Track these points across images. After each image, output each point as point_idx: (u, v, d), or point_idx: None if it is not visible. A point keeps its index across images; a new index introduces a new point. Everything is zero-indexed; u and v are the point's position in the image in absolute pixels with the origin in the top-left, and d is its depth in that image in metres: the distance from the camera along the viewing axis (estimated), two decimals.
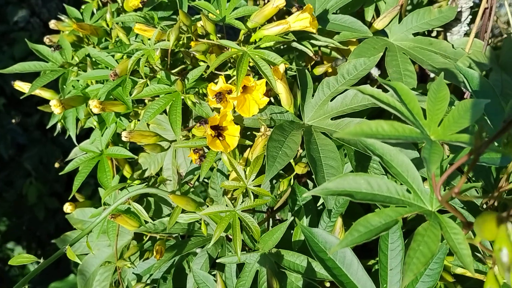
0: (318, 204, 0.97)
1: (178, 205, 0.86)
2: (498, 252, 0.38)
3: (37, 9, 3.36)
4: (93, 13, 1.14)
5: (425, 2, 1.16)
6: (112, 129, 1.05)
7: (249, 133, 0.95)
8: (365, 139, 0.56)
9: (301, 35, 0.97)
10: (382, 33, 1.04)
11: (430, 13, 1.01)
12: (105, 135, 1.06)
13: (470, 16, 1.12)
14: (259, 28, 0.93)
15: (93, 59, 1.05)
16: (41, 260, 0.79)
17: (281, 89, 0.87)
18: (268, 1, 0.93)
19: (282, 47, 1.05)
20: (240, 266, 0.88)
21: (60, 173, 1.08)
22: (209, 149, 0.87)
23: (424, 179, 0.64)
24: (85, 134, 1.16)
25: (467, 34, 1.15)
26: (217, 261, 0.86)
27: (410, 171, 0.59)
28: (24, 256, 0.80)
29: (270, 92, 0.92)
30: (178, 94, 0.90)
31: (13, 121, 1.12)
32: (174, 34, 0.87)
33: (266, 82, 0.85)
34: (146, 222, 0.97)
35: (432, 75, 1.21)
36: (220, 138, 0.84)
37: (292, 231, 0.90)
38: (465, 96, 1.05)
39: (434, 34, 1.17)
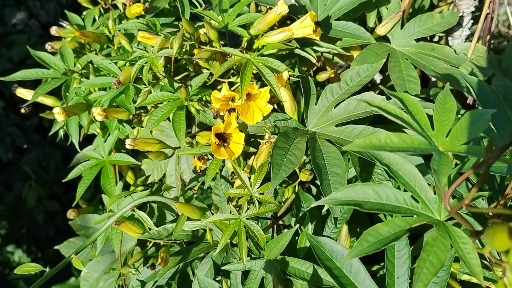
0: (323, 211, 0.97)
1: (183, 213, 0.86)
2: (511, 265, 0.38)
3: (35, 11, 3.35)
4: (94, 19, 1.14)
5: (427, 7, 1.16)
6: (115, 136, 1.04)
7: (252, 139, 0.95)
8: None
9: (304, 41, 0.97)
10: (385, 39, 1.04)
11: (432, 19, 1.01)
12: (108, 142, 1.06)
13: (472, 21, 1.13)
14: (262, 35, 0.93)
15: (96, 66, 1.05)
16: (47, 269, 0.79)
17: (285, 96, 0.87)
18: (270, 8, 0.93)
19: (284, 52, 1.05)
20: (245, 273, 0.88)
21: (63, 180, 1.07)
22: (213, 156, 0.87)
23: (429, 184, 0.64)
24: (86, 137, 1.16)
25: (468, 38, 1.16)
26: (223, 268, 0.86)
27: (417, 181, 0.59)
28: (30, 265, 0.80)
29: (273, 99, 0.93)
30: (182, 102, 0.90)
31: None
32: (177, 42, 0.87)
33: (270, 90, 0.85)
34: (150, 228, 0.97)
35: (433, 79, 1.21)
36: (225, 145, 0.84)
37: (297, 238, 0.90)
38: (468, 101, 1.06)
39: (436, 39, 1.17)
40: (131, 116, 0.95)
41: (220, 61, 0.94)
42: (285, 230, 1.12)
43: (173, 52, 0.88)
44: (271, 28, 0.95)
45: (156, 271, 0.99)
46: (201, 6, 1.08)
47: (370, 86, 1.36)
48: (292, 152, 0.82)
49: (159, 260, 0.92)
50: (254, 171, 0.86)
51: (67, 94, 1.02)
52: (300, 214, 0.93)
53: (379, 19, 1.10)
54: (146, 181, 1.10)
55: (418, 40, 1.03)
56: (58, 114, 0.95)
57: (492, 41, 1.56)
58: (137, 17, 1.05)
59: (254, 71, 0.87)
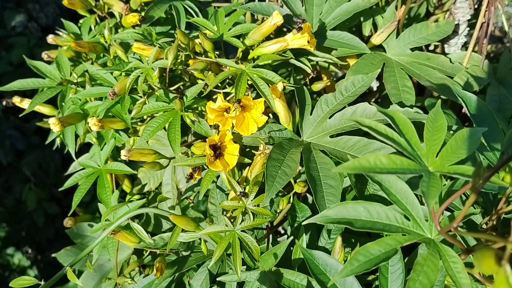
0: None
1: (178, 225, 0.86)
2: None
3: (34, 14, 3.35)
4: (90, 28, 1.14)
5: (423, 14, 1.16)
6: (111, 145, 1.05)
7: (248, 149, 0.96)
8: None
9: (299, 50, 0.97)
10: (380, 48, 1.04)
11: (427, 28, 1.01)
12: (104, 151, 1.06)
13: (468, 28, 1.13)
14: (257, 45, 0.93)
15: (91, 75, 1.05)
16: (42, 282, 0.79)
17: (279, 107, 0.87)
18: (265, 18, 0.93)
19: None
20: (240, 283, 0.88)
21: (59, 189, 1.08)
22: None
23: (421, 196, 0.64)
24: (84, 144, 1.16)
25: (465, 45, 1.16)
26: (218, 279, 0.86)
27: (409, 198, 0.59)
28: (25, 279, 0.80)
29: (268, 109, 0.93)
30: (177, 112, 0.91)
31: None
32: (172, 53, 0.87)
33: (265, 101, 0.85)
34: None
35: None
36: (219, 157, 0.84)
37: (292, 248, 0.90)
38: (463, 110, 1.06)
39: (432, 47, 1.17)
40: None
41: (215, 71, 0.94)
42: (281, 238, 1.12)
43: (168, 63, 0.88)
44: (267, 38, 0.95)
45: (152, 280, 1.00)
46: (197, 15, 1.08)
47: (368, 92, 1.36)
48: (286, 163, 0.82)
49: (155, 270, 0.92)
50: (249, 182, 0.87)
51: (63, 104, 1.02)
52: (295, 225, 0.93)
53: (375, 27, 1.10)
54: (143, 189, 1.11)
55: (413, 49, 1.03)
56: (53, 125, 0.95)
57: (490, 46, 1.56)
58: (133, 26, 1.05)
59: (249, 82, 0.88)
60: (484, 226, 0.73)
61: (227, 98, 0.91)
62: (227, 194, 0.95)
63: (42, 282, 0.79)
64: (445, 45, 1.17)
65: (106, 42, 1.06)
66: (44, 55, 1.12)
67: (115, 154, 1.12)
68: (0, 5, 3.39)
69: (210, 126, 0.88)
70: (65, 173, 1.15)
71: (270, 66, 0.97)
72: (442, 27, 1.02)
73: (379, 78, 0.95)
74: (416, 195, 0.62)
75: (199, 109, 0.95)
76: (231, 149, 0.86)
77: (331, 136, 0.89)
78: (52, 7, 3.32)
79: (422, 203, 0.64)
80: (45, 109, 1.11)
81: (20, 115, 1.05)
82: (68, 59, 1.10)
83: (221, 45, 1.02)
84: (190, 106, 0.94)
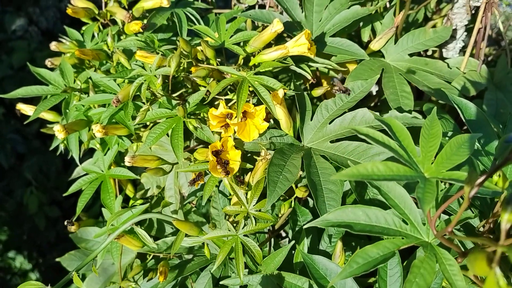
0: None
1: (181, 230, 0.88)
2: None
3: (35, 17, 3.36)
4: (93, 35, 1.16)
5: (421, 19, 1.18)
6: (114, 151, 1.06)
7: (249, 155, 0.97)
8: None
9: (300, 57, 0.99)
10: (379, 53, 1.06)
11: (425, 34, 1.03)
12: (107, 156, 1.07)
13: (466, 33, 1.15)
14: (258, 52, 0.95)
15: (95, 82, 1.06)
16: (48, 287, 0.81)
17: (280, 114, 0.89)
18: (266, 26, 0.95)
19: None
20: (243, 287, 0.90)
21: (64, 194, 1.09)
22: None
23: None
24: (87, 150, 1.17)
25: (463, 50, 1.18)
26: (220, 283, 0.88)
27: (407, 203, 0.61)
28: (31, 284, 0.81)
29: (269, 115, 0.94)
30: (180, 119, 0.92)
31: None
32: (175, 61, 0.89)
33: (266, 107, 0.87)
34: None
35: None
36: (222, 164, 0.86)
37: (293, 252, 0.92)
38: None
39: (429, 52, 1.19)
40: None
41: (217, 78, 0.96)
42: (283, 241, 1.14)
43: (170, 71, 0.90)
44: (268, 45, 0.96)
45: (155, 284, 1.01)
46: (198, 22, 1.10)
47: (367, 96, 1.38)
48: (287, 169, 0.84)
49: (158, 274, 0.94)
50: (251, 188, 0.88)
51: (68, 110, 1.04)
52: (297, 228, 0.95)
53: (374, 32, 1.12)
54: (146, 194, 1.12)
55: (411, 55, 1.04)
56: (58, 132, 0.96)
57: (488, 48, 1.58)
58: (136, 34, 1.07)
59: (250, 89, 0.89)
60: (481, 229, 0.74)
61: (229, 104, 0.92)
62: (230, 199, 0.97)
63: (49, 287, 0.80)
64: (443, 50, 1.19)
65: (109, 49, 1.08)
66: (48, 62, 1.14)
67: (118, 160, 1.14)
68: (1, 9, 3.40)
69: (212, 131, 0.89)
70: (66, 176, 1.17)
71: (271, 73, 0.99)
72: (440, 32, 1.04)
73: (379, 82, 0.97)
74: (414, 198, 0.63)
75: (202, 115, 0.96)
76: (233, 155, 0.87)
77: (332, 141, 0.90)
78: (53, 11, 3.34)
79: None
80: (49, 116, 1.13)
81: (25, 123, 1.07)
82: (71, 65, 1.11)
83: (223, 53, 1.03)
84: (192, 113, 0.95)
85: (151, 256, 1.04)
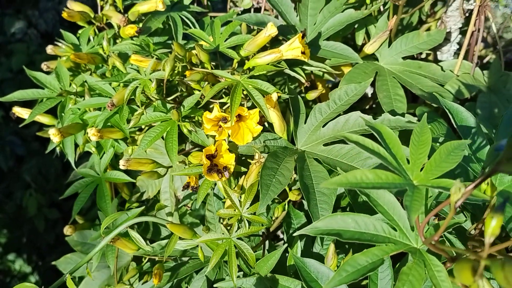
0: None
1: (175, 233, 0.88)
2: None
3: (34, 20, 3.37)
4: (89, 38, 1.16)
5: (415, 22, 1.18)
6: (110, 154, 1.07)
7: (243, 158, 0.98)
8: None
9: (294, 60, 0.99)
10: (373, 57, 1.06)
11: (418, 37, 1.03)
12: (103, 160, 1.08)
13: (460, 36, 1.15)
14: (252, 56, 0.95)
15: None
16: None
17: (274, 117, 0.89)
18: (260, 30, 0.95)
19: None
20: None
21: (60, 197, 1.10)
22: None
23: None
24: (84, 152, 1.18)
25: (457, 52, 1.18)
26: (214, 286, 0.88)
27: (396, 209, 0.61)
28: (26, 286, 0.82)
29: (263, 118, 0.95)
30: (174, 122, 0.93)
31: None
32: (169, 65, 0.89)
33: (260, 111, 0.87)
34: None
35: None
36: (216, 167, 0.86)
37: (287, 254, 0.92)
38: None
39: (424, 55, 1.19)
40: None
41: (211, 81, 0.96)
42: (280, 243, 1.14)
43: (165, 75, 0.90)
44: (262, 48, 0.97)
45: (150, 287, 1.02)
46: (194, 26, 1.10)
47: (362, 98, 1.38)
48: (281, 172, 0.84)
49: (153, 277, 0.94)
50: (244, 191, 0.89)
51: (63, 114, 1.05)
52: (291, 231, 0.95)
53: (368, 35, 1.12)
54: (141, 197, 1.13)
55: (405, 58, 1.05)
56: (53, 136, 0.97)
57: (485, 50, 1.58)
58: (131, 37, 1.08)
59: (244, 93, 0.90)
60: (473, 232, 0.75)
61: (224, 108, 0.93)
62: (224, 202, 0.97)
63: None
64: (438, 52, 1.19)
65: (104, 53, 1.09)
66: (44, 65, 1.14)
67: (114, 163, 1.14)
68: (0, 12, 3.41)
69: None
70: (65, 178, 1.18)
71: (265, 76, 0.99)
72: (433, 36, 1.04)
73: (373, 85, 0.98)
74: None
75: (196, 118, 0.97)
76: (227, 158, 0.88)
77: (325, 145, 0.91)
78: (52, 14, 3.34)
79: None
80: (44, 119, 1.13)
81: (20, 125, 1.07)
82: (67, 69, 1.12)
83: (217, 56, 1.04)
84: (187, 116, 0.96)
85: (146, 259, 1.05)
